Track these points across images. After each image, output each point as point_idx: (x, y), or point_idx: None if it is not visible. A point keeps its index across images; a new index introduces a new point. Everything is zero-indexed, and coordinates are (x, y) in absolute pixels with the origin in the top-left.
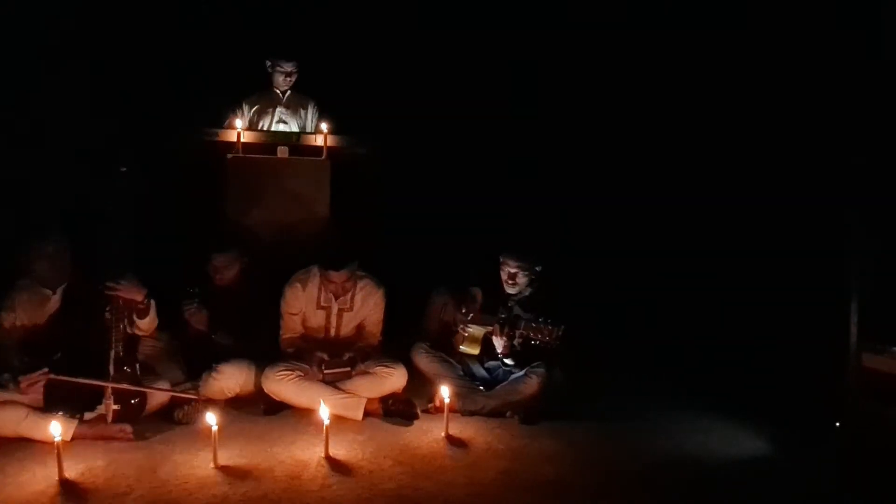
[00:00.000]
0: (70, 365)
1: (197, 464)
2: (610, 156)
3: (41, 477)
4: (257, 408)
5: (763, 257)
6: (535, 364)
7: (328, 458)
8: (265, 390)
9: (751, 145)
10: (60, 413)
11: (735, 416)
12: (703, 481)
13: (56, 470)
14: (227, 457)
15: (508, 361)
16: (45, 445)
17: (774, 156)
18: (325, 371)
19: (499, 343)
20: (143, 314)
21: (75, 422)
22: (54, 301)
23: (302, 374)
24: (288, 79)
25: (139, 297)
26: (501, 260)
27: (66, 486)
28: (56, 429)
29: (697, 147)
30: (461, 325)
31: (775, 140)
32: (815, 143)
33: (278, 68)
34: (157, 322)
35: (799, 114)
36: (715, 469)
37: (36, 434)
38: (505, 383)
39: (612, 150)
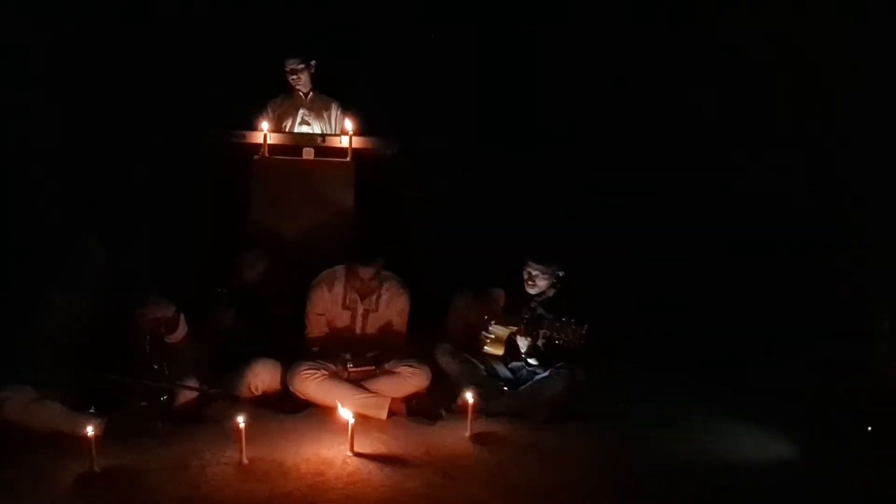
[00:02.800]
0: (101, 363)
1: (224, 460)
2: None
3: (74, 471)
4: (283, 406)
5: (792, 255)
6: (559, 364)
7: (353, 456)
8: (291, 389)
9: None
10: (92, 409)
11: (762, 420)
12: (730, 486)
13: (88, 464)
14: (254, 454)
15: (532, 361)
16: (78, 440)
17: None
18: (350, 370)
19: (523, 343)
20: (172, 328)
21: (106, 418)
22: (87, 304)
23: (327, 373)
24: (295, 77)
25: (168, 314)
26: (524, 261)
27: (98, 480)
28: (88, 425)
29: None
30: (483, 327)
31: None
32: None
33: (285, 68)
34: (186, 330)
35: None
36: (741, 474)
37: (69, 429)
38: (529, 384)
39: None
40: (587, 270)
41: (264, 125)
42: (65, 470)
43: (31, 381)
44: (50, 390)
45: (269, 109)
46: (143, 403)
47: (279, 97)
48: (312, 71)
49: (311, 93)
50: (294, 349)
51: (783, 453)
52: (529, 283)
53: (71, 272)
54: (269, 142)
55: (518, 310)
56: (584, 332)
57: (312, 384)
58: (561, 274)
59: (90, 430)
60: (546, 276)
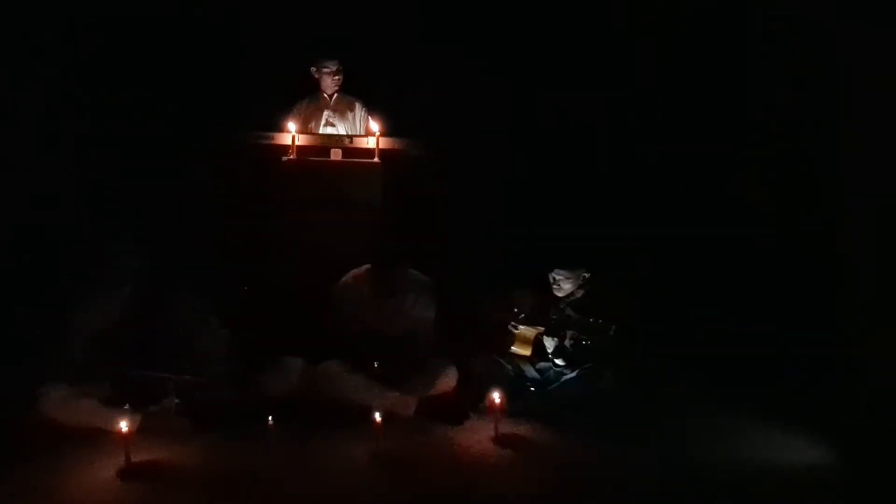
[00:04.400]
0: (135, 360)
1: (254, 456)
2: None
3: (109, 465)
4: (311, 404)
5: (835, 252)
6: (587, 366)
7: (380, 455)
8: (319, 387)
9: None
10: (127, 406)
11: (798, 423)
12: (762, 491)
13: (123, 459)
14: (283, 451)
15: (559, 362)
16: (113, 436)
17: None
18: (378, 369)
19: (550, 343)
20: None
21: (140, 414)
22: (122, 301)
23: (354, 371)
24: (335, 78)
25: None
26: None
27: (133, 474)
28: (123, 421)
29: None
30: (510, 326)
31: None
32: None
33: (324, 70)
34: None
35: None
36: (774, 478)
37: (105, 425)
38: (556, 385)
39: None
40: (614, 270)
41: (292, 126)
42: (101, 464)
43: (68, 377)
44: (86, 386)
45: (295, 111)
46: (176, 401)
47: (305, 99)
48: (342, 73)
49: (335, 94)
50: (322, 348)
51: (819, 459)
52: (555, 286)
53: (107, 271)
54: (297, 143)
55: (546, 310)
56: (611, 332)
57: (340, 383)
58: (587, 276)
59: (125, 426)
60: (571, 279)
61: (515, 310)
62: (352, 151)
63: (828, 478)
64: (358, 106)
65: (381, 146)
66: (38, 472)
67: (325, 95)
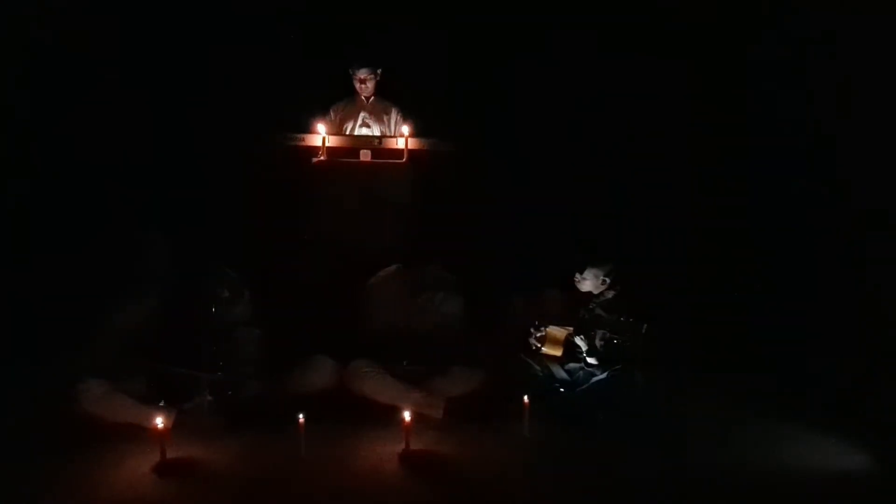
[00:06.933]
0: (170, 358)
1: (285, 453)
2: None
3: (145, 461)
4: (340, 403)
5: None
6: (617, 367)
7: (408, 454)
8: (348, 386)
9: None
10: (162, 403)
11: (840, 429)
12: (803, 498)
13: (157, 455)
14: (312, 448)
15: (591, 361)
16: (149, 432)
17: None
18: (406, 369)
19: (582, 343)
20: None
21: (175, 411)
22: (157, 297)
23: (383, 370)
24: (363, 85)
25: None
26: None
27: (167, 469)
28: (158, 417)
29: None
30: (538, 327)
31: None
32: None
33: (353, 75)
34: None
35: None
36: (815, 486)
37: (141, 421)
38: (585, 386)
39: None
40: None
41: (321, 128)
42: (137, 459)
43: (106, 374)
44: (123, 383)
45: (331, 113)
46: (210, 398)
47: (342, 101)
48: (378, 79)
49: (372, 97)
50: (351, 347)
51: (861, 465)
52: (575, 280)
53: (141, 270)
54: (327, 144)
55: (576, 310)
56: (642, 331)
57: (369, 382)
58: (608, 280)
59: (160, 422)
60: (589, 278)
61: (540, 317)
62: (381, 152)
63: (864, 485)
64: (394, 110)
65: (410, 147)
66: (76, 467)
67: (363, 98)
